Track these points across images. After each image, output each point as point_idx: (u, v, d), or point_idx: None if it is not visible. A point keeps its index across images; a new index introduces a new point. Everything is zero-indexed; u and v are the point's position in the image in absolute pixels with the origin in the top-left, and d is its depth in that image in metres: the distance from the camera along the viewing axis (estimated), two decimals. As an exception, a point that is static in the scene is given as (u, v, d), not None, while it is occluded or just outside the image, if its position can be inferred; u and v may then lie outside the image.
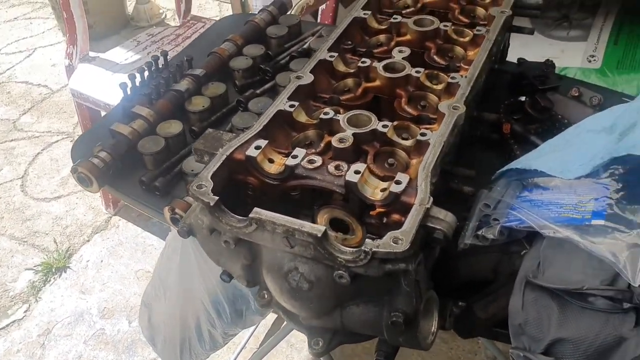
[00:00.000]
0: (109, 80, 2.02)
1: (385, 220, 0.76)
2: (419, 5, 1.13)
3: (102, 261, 2.26)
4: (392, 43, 1.04)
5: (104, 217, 2.43)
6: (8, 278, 2.21)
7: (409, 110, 0.90)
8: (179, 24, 2.41)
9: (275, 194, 0.81)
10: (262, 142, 0.81)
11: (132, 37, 3.44)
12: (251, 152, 0.80)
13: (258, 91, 1.20)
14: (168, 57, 1.24)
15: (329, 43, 1.01)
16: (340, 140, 0.81)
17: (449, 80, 0.90)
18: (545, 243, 0.82)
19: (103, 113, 2.17)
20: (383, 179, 0.79)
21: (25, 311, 2.10)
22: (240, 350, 1.90)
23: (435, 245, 0.71)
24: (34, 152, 2.74)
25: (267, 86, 1.22)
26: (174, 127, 1.09)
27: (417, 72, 0.92)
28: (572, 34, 1.60)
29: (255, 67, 1.25)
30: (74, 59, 2.08)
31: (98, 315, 2.08)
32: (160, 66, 1.23)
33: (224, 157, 0.80)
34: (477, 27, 1.01)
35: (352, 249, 0.69)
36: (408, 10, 1.13)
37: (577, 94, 1.13)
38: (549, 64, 1.15)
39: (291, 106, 0.88)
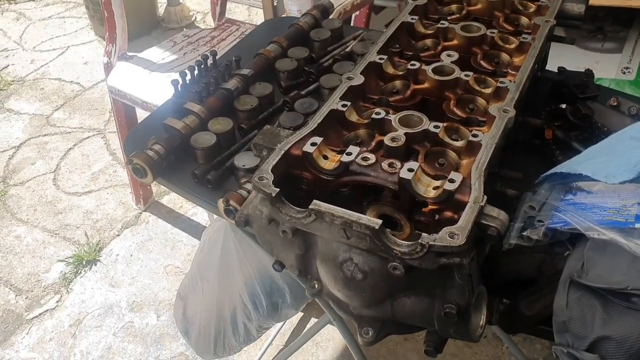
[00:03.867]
0: (146, 78, 2.07)
1: (437, 217, 0.79)
2: (464, 12, 1.16)
3: (131, 255, 2.31)
4: (439, 47, 1.07)
5: (134, 212, 2.47)
6: (41, 269, 2.26)
7: (458, 112, 0.93)
8: (210, 27, 2.45)
9: (327, 188, 0.85)
10: (318, 139, 0.85)
11: (163, 39, 3.52)
12: (307, 148, 0.84)
13: (303, 92, 1.24)
14: (217, 56, 1.28)
15: (378, 46, 1.04)
16: (393, 139, 0.85)
17: (498, 84, 0.93)
18: (589, 244, 0.85)
19: (139, 110, 2.23)
20: (434, 177, 0.82)
21: (57, 301, 2.15)
22: (267, 347, 1.93)
23: (488, 242, 0.74)
24: (66, 147, 2.80)
25: (311, 87, 1.25)
26: (224, 124, 1.13)
27: (466, 75, 0.95)
28: (607, 46, 1.63)
29: (299, 69, 1.29)
30: (113, 57, 2.13)
31: (127, 308, 2.12)
32: (209, 65, 1.27)
33: (282, 152, 0.84)
34: (523, 35, 1.04)
35: (408, 242, 0.72)
36: (453, 16, 1.16)
37: (615, 104, 1.16)
38: (588, 74, 1.18)
39: (343, 105, 0.92)
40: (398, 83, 1.00)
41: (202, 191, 1.05)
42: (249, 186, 0.98)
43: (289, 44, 1.34)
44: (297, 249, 0.83)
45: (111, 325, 2.07)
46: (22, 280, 2.22)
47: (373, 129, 0.90)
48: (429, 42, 1.09)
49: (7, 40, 3.55)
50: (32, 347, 2.01)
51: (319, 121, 0.89)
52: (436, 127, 0.86)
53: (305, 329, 1.72)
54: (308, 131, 0.87)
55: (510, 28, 1.12)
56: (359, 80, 0.97)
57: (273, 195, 0.77)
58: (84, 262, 2.27)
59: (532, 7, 1.14)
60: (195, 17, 3.71)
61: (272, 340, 1.95)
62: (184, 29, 3.62)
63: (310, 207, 0.75)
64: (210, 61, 1.28)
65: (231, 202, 0.96)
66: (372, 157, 0.81)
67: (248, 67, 1.25)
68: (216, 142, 1.09)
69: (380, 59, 1.01)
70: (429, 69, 0.98)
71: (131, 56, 2.18)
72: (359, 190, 0.86)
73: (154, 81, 2.05)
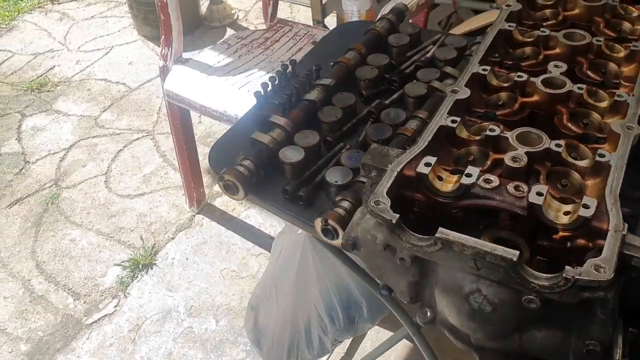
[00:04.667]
0: (204, 82, 2.05)
1: (569, 244, 0.74)
2: (560, 18, 1.10)
3: (187, 259, 2.30)
4: (541, 56, 1.02)
5: (188, 215, 2.46)
6: (97, 273, 2.26)
7: (573, 127, 0.88)
8: (259, 27, 2.42)
9: (442, 211, 0.80)
10: (431, 159, 0.81)
11: (206, 37, 3.50)
12: (422, 169, 0.80)
13: (387, 102, 1.19)
14: (294, 65, 1.25)
15: (479, 56, 0.99)
16: (514, 159, 0.80)
17: (616, 98, 0.88)
18: None
19: (194, 114, 2.20)
20: (559, 200, 0.77)
21: (115, 306, 2.15)
22: (329, 356, 1.90)
23: (632, 273, 0.69)
24: (115, 149, 2.80)
25: (395, 96, 1.21)
26: (311, 137, 1.10)
27: (579, 88, 0.90)
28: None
29: (380, 77, 1.25)
30: (169, 61, 2.11)
31: (185, 313, 2.11)
32: (289, 74, 1.24)
33: (395, 173, 0.80)
34: (634, 44, 0.98)
35: (547, 275, 0.68)
36: (549, 22, 1.10)
37: None
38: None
39: (453, 121, 0.87)
40: (504, 95, 0.95)
41: (294, 208, 1.02)
42: (345, 204, 0.95)
43: (367, 50, 1.29)
44: (412, 276, 0.80)
45: (170, 330, 2.06)
46: (80, 284, 2.23)
47: (486, 147, 0.85)
48: (528, 50, 1.04)
49: (52, 41, 3.57)
50: (93, 352, 2.01)
51: (429, 139, 0.85)
52: (558, 145, 0.81)
53: (380, 343, 1.67)
54: (419, 150, 0.83)
55: (612, 34, 1.06)
56: (464, 93, 0.92)
57: (393, 222, 0.73)
58: (140, 266, 2.26)
59: (636, 12, 1.08)
60: (238, 16, 3.69)
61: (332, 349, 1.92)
62: (227, 28, 3.60)
63: (436, 235, 0.71)
64: (289, 70, 1.24)
65: (330, 221, 0.92)
66: (495, 180, 0.77)
67: (328, 77, 1.21)
68: (304, 157, 1.06)
69: (483, 70, 0.96)
70: (538, 81, 0.93)
71: (187, 59, 2.16)
72: (475, 213, 0.82)
73: (211, 85, 2.03)
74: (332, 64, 1.27)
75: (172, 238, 2.38)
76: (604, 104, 0.89)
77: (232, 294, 2.16)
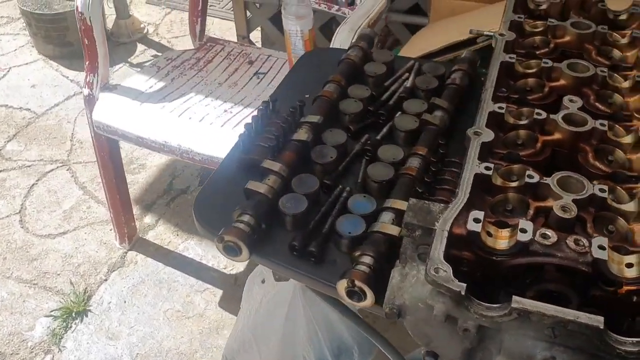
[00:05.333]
0: (137, 110, 1.88)
1: (635, 298, 0.71)
2: (551, 45, 1.08)
3: (125, 302, 2.11)
4: (546, 89, 0.99)
5: (119, 252, 2.27)
6: (23, 326, 2.02)
7: (601, 166, 0.86)
8: (175, 41, 2.28)
9: (496, 270, 0.75)
10: (480, 214, 0.75)
11: (114, 54, 3.27)
12: (472, 226, 0.73)
13: (378, 137, 1.13)
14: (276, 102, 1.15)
15: (489, 92, 0.95)
16: (564, 209, 0.76)
17: (640, 134, 0.86)
18: None
19: (126, 144, 2.02)
20: (615, 250, 0.74)
21: (49, 363, 1.93)
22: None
23: None
24: (28, 184, 2.54)
25: (385, 131, 1.14)
26: (310, 182, 1.01)
27: (602, 124, 0.88)
28: None
29: (365, 110, 1.18)
30: (95, 89, 1.92)
31: (131, 362, 1.94)
32: (270, 112, 1.14)
33: (446, 233, 0.73)
34: (637, 74, 0.97)
35: (634, 339, 0.63)
36: (542, 51, 1.08)
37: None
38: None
39: (487, 168, 0.82)
40: (522, 134, 0.91)
41: (306, 266, 0.92)
42: (367, 260, 0.87)
43: (346, 82, 1.22)
44: (469, 343, 0.73)
45: (117, 384, 1.88)
46: (3, 342, 1.98)
47: (524, 194, 0.81)
48: (531, 82, 1.01)
49: (-63, 64, 3.19)
50: (30, 420, 1.79)
51: (468, 190, 0.79)
52: (602, 190, 0.78)
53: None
54: (462, 204, 0.76)
55: (606, 62, 1.05)
56: (488, 136, 0.87)
57: (462, 292, 0.66)
58: (73, 314, 2.05)
59: (624, 39, 1.08)
60: (147, 30, 3.48)
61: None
62: (138, 44, 3.39)
63: (512, 305, 0.65)
64: (271, 108, 1.14)
65: (357, 282, 0.84)
66: (552, 235, 0.72)
67: (314, 113, 1.12)
68: (308, 205, 0.97)
69: (499, 108, 0.92)
70: (558, 118, 0.89)
71: (114, 85, 1.98)
72: (520, 267, 0.77)
73: (147, 113, 1.87)
74: (311, 97, 1.19)
75: (105, 280, 2.18)
76: (627, 140, 0.87)
77: (181, 337, 2.00)
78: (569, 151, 0.89)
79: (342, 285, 0.85)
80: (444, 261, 0.69)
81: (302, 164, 1.06)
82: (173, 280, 2.18)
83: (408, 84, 1.25)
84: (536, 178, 0.80)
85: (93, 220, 2.39)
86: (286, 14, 1.83)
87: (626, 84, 0.98)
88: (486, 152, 0.88)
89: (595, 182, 0.81)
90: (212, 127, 1.82)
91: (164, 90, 1.98)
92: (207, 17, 3.61)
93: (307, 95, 1.24)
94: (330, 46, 1.61)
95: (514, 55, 1.02)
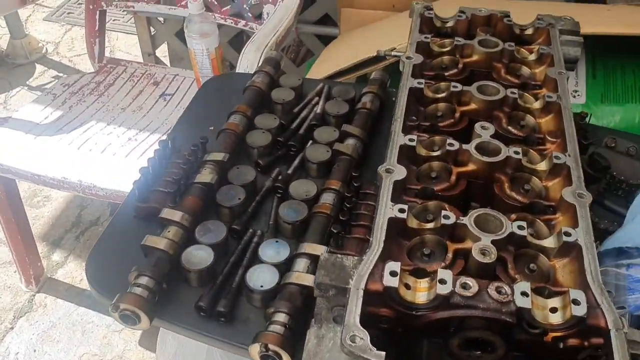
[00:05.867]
0: (32, 145, 1.73)
1: (561, 345, 0.67)
2: (460, 66, 1.05)
3: (35, 351, 1.94)
4: (457, 114, 0.95)
5: (26, 296, 2.10)
6: None
7: (518, 197, 0.82)
8: (77, 60, 2.13)
9: (414, 324, 0.69)
10: (396, 266, 0.69)
11: (11, 78, 3.05)
12: (389, 281, 0.68)
13: (289, 171, 1.05)
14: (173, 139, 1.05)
15: (399, 123, 0.89)
16: (483, 253, 0.71)
17: (554, 160, 0.83)
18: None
19: (26, 184, 1.86)
20: (538, 292, 0.70)
21: None
22: None
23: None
24: None
25: (296, 163, 1.07)
26: (216, 229, 0.92)
27: (516, 153, 0.84)
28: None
29: (274, 141, 1.10)
30: (-18, 123, 1.75)
31: (45, 418, 1.78)
32: (168, 151, 1.04)
33: (361, 292, 0.67)
34: (547, 94, 0.95)
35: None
36: (451, 72, 1.04)
37: (613, 145, 1.11)
38: (583, 116, 1.12)
39: (401, 210, 0.76)
40: (436, 166, 0.86)
41: (215, 328, 0.84)
42: (281, 318, 0.79)
43: (253, 111, 1.14)
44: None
45: None
46: None
47: (442, 235, 0.76)
48: (441, 107, 0.97)
49: None
50: None
51: (383, 238, 0.73)
52: (521, 227, 0.74)
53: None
54: (376, 255, 0.70)
55: (515, 81, 1.03)
56: (400, 173, 0.82)
57: (381, 362, 0.60)
58: (-24, 372, 1.87)
59: (531, 55, 1.06)
60: (46, 49, 3.27)
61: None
62: (36, 64, 3.18)
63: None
64: (170, 147, 1.04)
65: (271, 346, 0.76)
66: (473, 284, 0.67)
67: (218, 149, 1.04)
68: (214, 259, 0.88)
69: (410, 140, 0.86)
70: (471, 148, 0.85)
71: (5, 119, 1.81)
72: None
73: (42, 147, 1.72)
74: (216, 129, 1.10)
75: (11, 328, 2.00)
76: (542, 167, 0.84)
77: (100, 383, 1.86)
78: (484, 182, 0.85)
79: (255, 349, 0.78)
80: (360, 327, 0.63)
81: (207, 209, 0.97)
82: (87, 322, 2.03)
83: (318, 109, 1.18)
84: (452, 219, 0.75)
85: (-5, 261, 2.19)
86: (189, 32, 1.72)
87: (537, 105, 0.95)
88: (399, 190, 0.82)
89: (513, 216, 0.78)
90: (116, 157, 1.69)
91: (61, 120, 1.83)
92: (112, 32, 3.45)
93: (211, 128, 1.16)
94: (237, 68, 1.52)
95: (422, 81, 0.97)
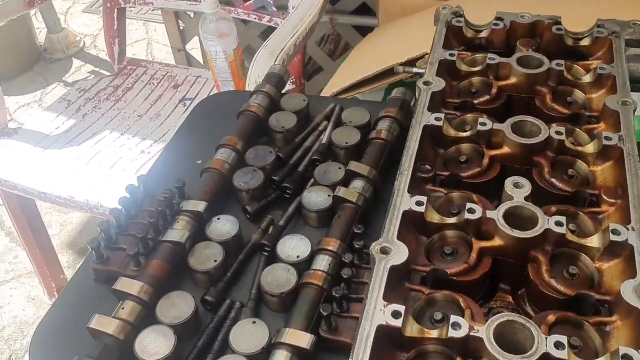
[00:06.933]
0: (39, 159, 1.62)
1: None
2: (493, 91, 0.83)
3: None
4: (486, 160, 0.74)
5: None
6: (-63, 411, 1.78)
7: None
8: (113, 71, 2.00)
9: None
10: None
11: (48, 73, 2.99)
12: None
13: (281, 222, 0.87)
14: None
15: (405, 180, 0.69)
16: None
17: (612, 237, 0.61)
18: None
19: (38, 202, 1.76)
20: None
21: None
22: None
23: None
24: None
25: (290, 211, 0.89)
26: (182, 305, 0.76)
27: (557, 223, 0.63)
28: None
29: (267, 183, 0.92)
30: (-10, 135, 1.65)
31: None
32: (139, 197, 0.88)
33: None
34: (605, 135, 0.72)
35: None
36: (482, 99, 0.83)
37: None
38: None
39: (395, 315, 0.57)
40: (451, 237, 0.66)
41: None
42: None
43: (244, 144, 0.96)
44: None
45: None
46: None
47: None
48: (465, 149, 0.76)
49: None
50: None
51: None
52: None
53: None
54: None
55: (564, 111, 0.80)
56: (399, 257, 0.62)
57: None
58: (-6, 391, 1.81)
59: (587, 77, 0.83)
60: (84, 43, 3.19)
61: None
62: (74, 59, 3.10)
63: None
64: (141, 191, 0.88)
65: None
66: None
67: (197, 196, 0.87)
68: (176, 344, 0.72)
69: (418, 204, 0.66)
70: (498, 216, 0.64)
71: (14, 129, 1.71)
72: None
73: (49, 162, 1.61)
74: (202, 164, 0.94)
75: (33, 344, 1.93)
76: (594, 244, 0.63)
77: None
78: (515, 260, 0.64)
79: None
80: None
81: (179, 273, 0.81)
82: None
83: (324, 138, 0.99)
84: (465, 327, 0.55)
85: (20, 272, 2.13)
86: (204, 32, 1.55)
87: (590, 148, 0.73)
88: (397, 277, 0.63)
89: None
90: (125, 174, 1.56)
91: (72, 130, 1.71)
92: (149, 23, 3.34)
93: (199, 161, 0.99)
94: (247, 80, 1.35)
95: (442, 115, 0.76)
